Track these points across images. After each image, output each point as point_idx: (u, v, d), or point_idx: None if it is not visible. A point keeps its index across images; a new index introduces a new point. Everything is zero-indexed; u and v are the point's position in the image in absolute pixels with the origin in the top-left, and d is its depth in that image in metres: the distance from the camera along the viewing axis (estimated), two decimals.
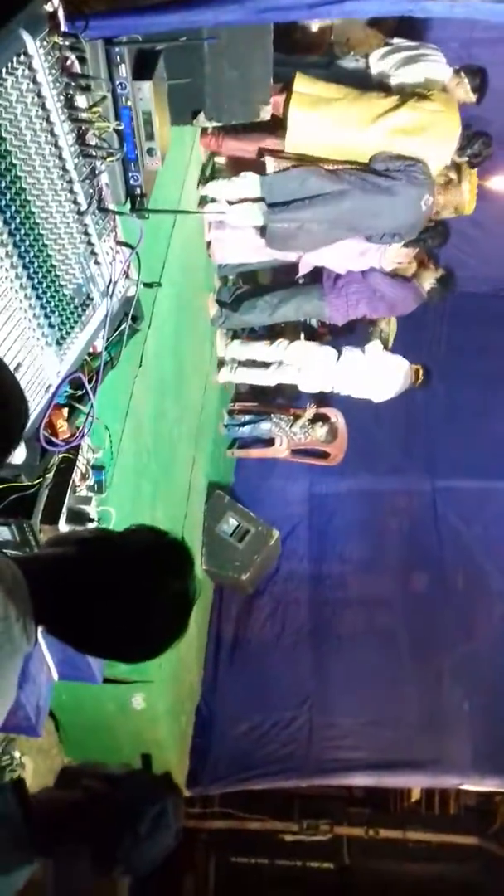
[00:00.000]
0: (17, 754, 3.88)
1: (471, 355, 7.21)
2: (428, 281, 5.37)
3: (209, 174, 4.75)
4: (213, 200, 4.67)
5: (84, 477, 2.36)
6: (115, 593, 1.35)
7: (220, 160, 4.87)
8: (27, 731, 3.42)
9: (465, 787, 5.74)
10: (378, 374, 5.79)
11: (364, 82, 4.71)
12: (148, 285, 2.27)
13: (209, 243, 5.04)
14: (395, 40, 4.89)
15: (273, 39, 3.35)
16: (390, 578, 6.43)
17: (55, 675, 3.44)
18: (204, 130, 4.60)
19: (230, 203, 4.70)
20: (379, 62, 4.77)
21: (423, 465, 6.81)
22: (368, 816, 6.27)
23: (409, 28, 5.23)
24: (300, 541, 6.38)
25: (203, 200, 4.69)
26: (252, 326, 6.09)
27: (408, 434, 6.98)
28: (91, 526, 2.23)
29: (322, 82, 4.43)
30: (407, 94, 4.58)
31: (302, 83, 4.38)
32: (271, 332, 6.26)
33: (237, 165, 4.78)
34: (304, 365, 5.79)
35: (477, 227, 6.92)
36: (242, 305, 5.48)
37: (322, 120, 4.38)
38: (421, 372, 5.89)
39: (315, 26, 5.02)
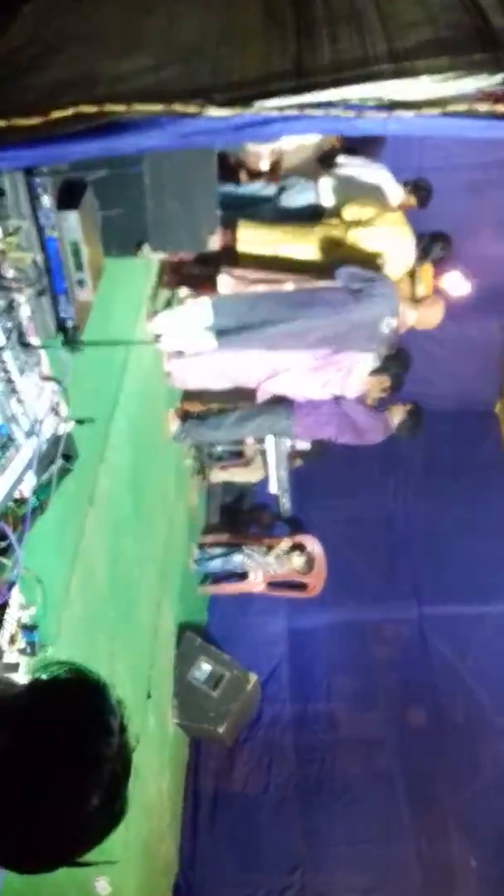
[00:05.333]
0: None
1: (446, 474, 7.11)
2: (398, 416, 5.28)
3: (161, 307, 4.73)
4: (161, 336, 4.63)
5: (13, 640, 2.08)
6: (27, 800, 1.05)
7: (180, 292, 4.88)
8: None
9: None
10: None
11: (315, 211, 4.84)
12: (80, 422, 2.09)
13: (169, 373, 4.98)
14: (342, 159, 5.01)
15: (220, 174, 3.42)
16: (383, 717, 5.98)
17: None
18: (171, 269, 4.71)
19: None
20: (327, 185, 4.90)
21: (408, 591, 6.52)
22: None
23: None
24: (282, 682, 5.95)
25: (156, 336, 4.64)
26: (216, 446, 5.97)
27: (389, 558, 6.75)
28: None
29: (265, 229, 4.53)
30: (356, 220, 4.68)
31: (245, 239, 4.51)
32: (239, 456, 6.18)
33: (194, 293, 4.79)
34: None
35: (441, 345, 7.04)
36: (208, 421, 5.34)
37: (274, 263, 4.51)
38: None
39: (265, 165, 5.11)
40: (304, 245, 4.52)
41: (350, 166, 4.92)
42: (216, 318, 4.47)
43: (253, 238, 4.55)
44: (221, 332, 4.46)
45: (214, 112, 1.75)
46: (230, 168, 4.85)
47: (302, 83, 1.78)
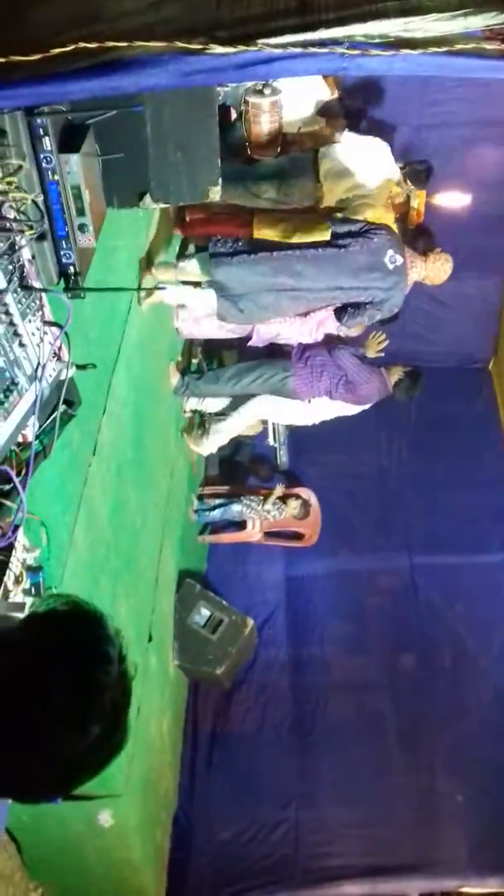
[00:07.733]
0: None
1: (440, 429, 7.16)
2: (395, 375, 5.18)
3: (163, 258, 4.70)
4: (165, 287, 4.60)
5: (18, 580, 2.13)
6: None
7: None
8: None
9: (466, 889, 5.26)
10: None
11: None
12: (81, 367, 2.10)
13: (177, 329, 5.01)
14: (346, 135, 4.90)
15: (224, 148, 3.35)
16: (374, 661, 6.15)
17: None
18: (182, 221, 4.73)
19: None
20: (329, 161, 4.83)
21: (401, 542, 6.62)
22: None
23: (359, 119, 5.35)
24: (278, 627, 6.09)
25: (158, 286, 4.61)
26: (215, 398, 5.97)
27: (382, 511, 6.83)
28: None
29: (280, 223, 4.55)
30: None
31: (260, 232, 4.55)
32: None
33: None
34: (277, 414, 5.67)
35: (439, 305, 7.03)
36: (206, 375, 5.35)
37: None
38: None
39: (265, 133, 4.97)
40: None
41: (350, 144, 4.81)
42: (215, 271, 4.46)
43: (269, 232, 4.58)
44: (224, 297, 4.50)
45: (217, 49, 1.73)
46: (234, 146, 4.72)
47: (307, 20, 1.75)
